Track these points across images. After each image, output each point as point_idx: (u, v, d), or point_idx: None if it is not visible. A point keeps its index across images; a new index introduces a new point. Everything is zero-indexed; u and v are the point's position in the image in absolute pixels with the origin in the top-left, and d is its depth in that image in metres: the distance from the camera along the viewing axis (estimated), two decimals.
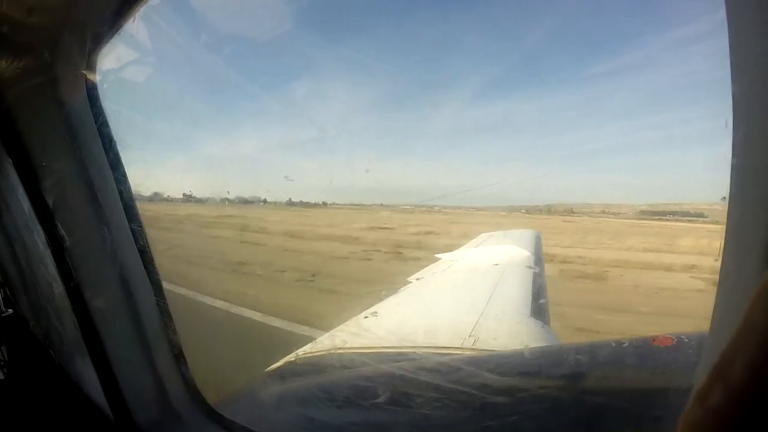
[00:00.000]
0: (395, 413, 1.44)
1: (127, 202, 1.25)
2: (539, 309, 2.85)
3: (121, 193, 1.22)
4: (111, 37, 1.05)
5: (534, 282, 3.33)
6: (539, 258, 4.03)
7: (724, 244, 0.51)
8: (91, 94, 1.17)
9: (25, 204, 1.72)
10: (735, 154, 0.48)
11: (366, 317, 2.76)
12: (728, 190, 0.52)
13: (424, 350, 2.14)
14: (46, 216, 1.15)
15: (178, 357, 1.31)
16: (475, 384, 1.55)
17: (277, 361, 2.09)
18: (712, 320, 0.52)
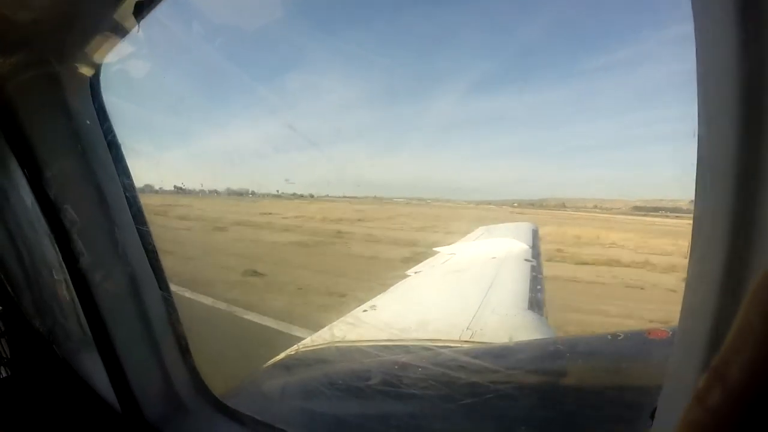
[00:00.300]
0: (393, 405, 1.47)
1: (131, 198, 1.27)
2: (536, 301, 2.89)
3: (125, 188, 1.24)
4: (114, 41, 1.07)
5: (531, 275, 3.37)
6: (537, 251, 4.07)
7: (692, 241, 0.53)
8: (95, 94, 1.19)
9: (29, 201, 1.74)
10: (699, 153, 0.50)
11: (365, 310, 2.79)
12: (694, 190, 0.53)
13: (421, 343, 2.17)
14: (51, 214, 1.17)
15: (184, 350, 1.34)
16: (473, 376, 1.57)
17: None
18: (680, 316, 0.54)
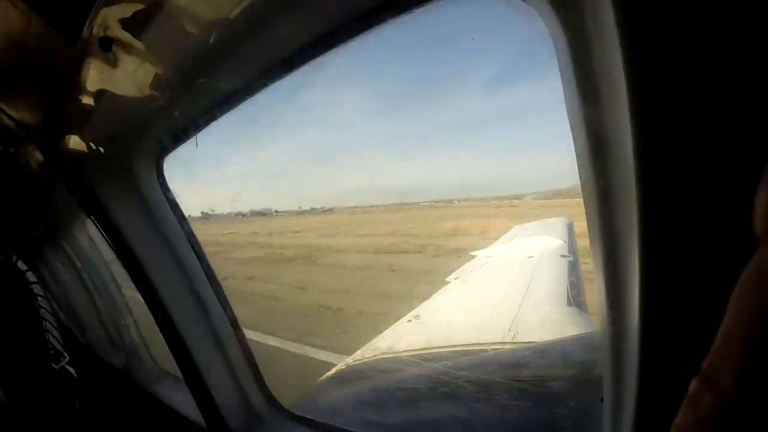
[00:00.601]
0: (442, 410, 1.58)
1: (195, 244, 1.53)
2: (575, 297, 2.90)
3: (190, 239, 1.50)
4: (177, 139, 1.31)
5: (568, 271, 3.37)
6: (573, 246, 4.05)
7: (590, 237, 0.58)
8: (159, 168, 1.45)
9: (105, 261, 2.06)
10: (576, 145, 0.56)
11: (409, 321, 2.92)
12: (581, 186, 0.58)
13: (464, 348, 2.26)
14: (137, 272, 1.45)
15: (255, 370, 1.57)
16: (517, 376, 1.67)
17: None
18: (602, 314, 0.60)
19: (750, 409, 0.28)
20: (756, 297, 0.27)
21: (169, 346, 1.51)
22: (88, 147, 1.33)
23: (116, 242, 1.47)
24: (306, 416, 1.52)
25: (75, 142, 1.33)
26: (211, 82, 0.97)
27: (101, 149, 1.32)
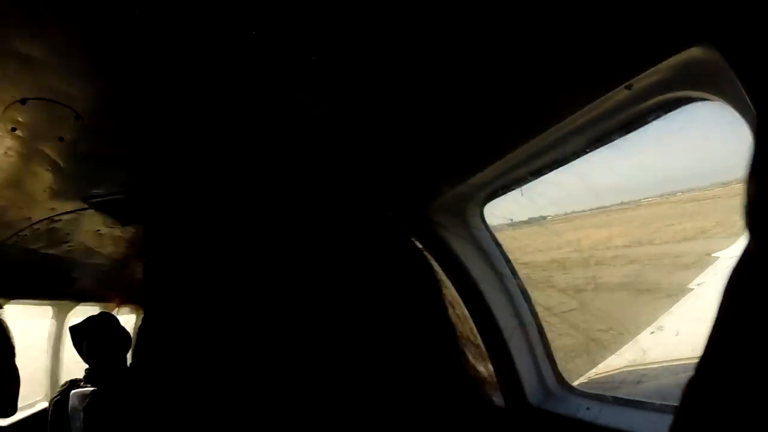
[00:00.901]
0: None
1: (510, 264, 2.05)
2: None
3: (507, 261, 2.05)
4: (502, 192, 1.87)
5: None
6: None
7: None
8: (482, 213, 2.02)
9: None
10: None
11: (652, 332, 3.02)
12: None
13: None
14: (468, 287, 2.00)
15: (549, 354, 2.00)
16: None
17: None
18: None
19: (733, 406, 0.29)
20: (736, 291, 0.29)
21: (484, 342, 1.95)
22: (432, 203, 1.95)
23: (451, 269, 2.01)
24: (591, 392, 1.89)
25: (421, 198, 1.92)
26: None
27: (443, 204, 1.96)
